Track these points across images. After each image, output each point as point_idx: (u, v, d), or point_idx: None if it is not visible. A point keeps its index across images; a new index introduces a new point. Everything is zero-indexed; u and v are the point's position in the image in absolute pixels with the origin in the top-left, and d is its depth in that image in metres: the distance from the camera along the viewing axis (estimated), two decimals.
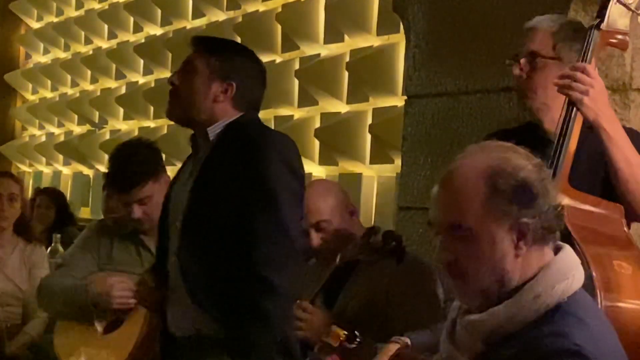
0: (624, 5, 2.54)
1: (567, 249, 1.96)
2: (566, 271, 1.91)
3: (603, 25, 2.54)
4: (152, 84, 6.90)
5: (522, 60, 2.67)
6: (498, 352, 1.87)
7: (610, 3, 2.54)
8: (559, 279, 1.89)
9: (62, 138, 7.93)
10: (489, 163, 1.91)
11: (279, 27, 5.60)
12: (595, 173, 2.60)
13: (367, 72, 4.90)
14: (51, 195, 6.36)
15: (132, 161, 3.43)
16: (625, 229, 2.51)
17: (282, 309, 2.72)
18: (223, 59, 2.93)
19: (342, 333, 2.17)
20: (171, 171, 6.68)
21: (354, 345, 2.15)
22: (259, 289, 2.69)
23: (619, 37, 2.56)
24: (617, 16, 2.54)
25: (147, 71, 7.01)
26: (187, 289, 2.83)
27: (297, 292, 2.94)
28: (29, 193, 6.60)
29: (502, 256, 1.88)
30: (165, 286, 2.97)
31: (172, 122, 6.58)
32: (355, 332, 2.11)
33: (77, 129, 7.79)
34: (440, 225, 1.95)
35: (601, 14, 2.55)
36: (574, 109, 2.49)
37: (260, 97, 3.01)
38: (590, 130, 2.52)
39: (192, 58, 2.94)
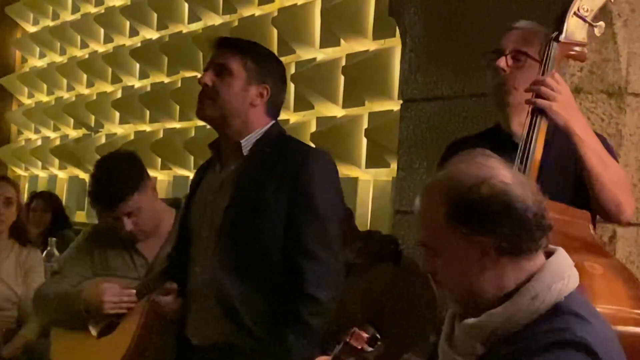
0: (581, 18, 2.58)
1: (560, 251, 1.96)
2: (561, 272, 1.91)
3: (561, 38, 2.57)
4: (148, 88, 6.90)
5: (509, 56, 2.68)
6: (497, 353, 1.87)
7: (568, 15, 2.57)
8: (555, 280, 1.89)
9: (57, 142, 7.93)
10: (448, 180, 1.90)
11: (275, 31, 5.60)
12: (565, 178, 2.61)
13: (363, 76, 4.90)
14: (47, 199, 6.36)
15: (113, 177, 3.35)
16: (593, 233, 2.54)
17: (325, 326, 2.75)
18: (258, 61, 2.88)
19: (365, 335, 2.16)
20: (167, 175, 6.73)
21: (373, 349, 2.14)
22: (306, 306, 2.72)
23: (577, 48, 2.60)
24: (574, 28, 2.58)
25: (143, 75, 7.01)
26: (220, 301, 2.81)
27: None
28: (25, 197, 6.59)
29: (467, 271, 1.89)
30: (183, 293, 2.95)
31: (168, 126, 6.67)
32: (377, 335, 2.10)
33: (73, 133, 7.79)
34: (417, 240, 1.97)
35: (559, 26, 2.58)
36: (538, 116, 2.51)
37: (284, 101, 3.01)
38: (554, 135, 2.54)
39: (226, 60, 2.87)
